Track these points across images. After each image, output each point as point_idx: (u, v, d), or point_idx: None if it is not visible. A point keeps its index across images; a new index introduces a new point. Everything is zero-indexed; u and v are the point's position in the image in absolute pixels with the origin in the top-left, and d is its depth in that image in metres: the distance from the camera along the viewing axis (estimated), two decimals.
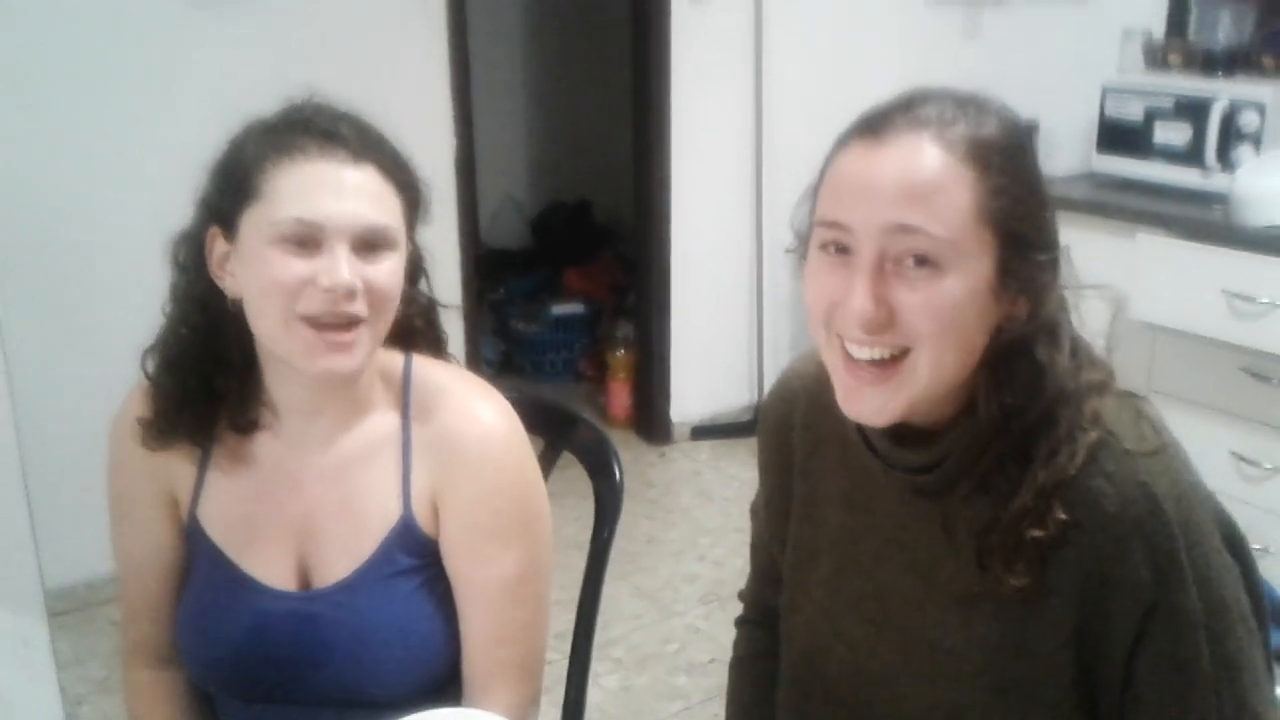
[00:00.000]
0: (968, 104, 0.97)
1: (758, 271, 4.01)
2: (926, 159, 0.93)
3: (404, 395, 1.25)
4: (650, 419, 4.08)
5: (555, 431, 1.61)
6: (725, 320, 4.04)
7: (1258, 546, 2.73)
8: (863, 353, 0.96)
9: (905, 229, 0.92)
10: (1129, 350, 2.97)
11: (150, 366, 1.23)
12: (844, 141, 0.98)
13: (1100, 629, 0.96)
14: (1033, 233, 0.96)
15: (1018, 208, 0.94)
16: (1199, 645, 0.95)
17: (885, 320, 0.94)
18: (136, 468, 1.26)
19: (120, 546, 1.30)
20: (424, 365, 1.27)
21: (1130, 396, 1.03)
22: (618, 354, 4.21)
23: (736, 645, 1.35)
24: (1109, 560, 0.94)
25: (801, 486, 1.17)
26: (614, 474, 1.54)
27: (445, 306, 1.34)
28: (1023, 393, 0.97)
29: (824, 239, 0.97)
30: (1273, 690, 1.00)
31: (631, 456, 3.95)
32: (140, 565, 1.29)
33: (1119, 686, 0.98)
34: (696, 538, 3.39)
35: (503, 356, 4.64)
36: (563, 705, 1.47)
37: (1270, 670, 1.00)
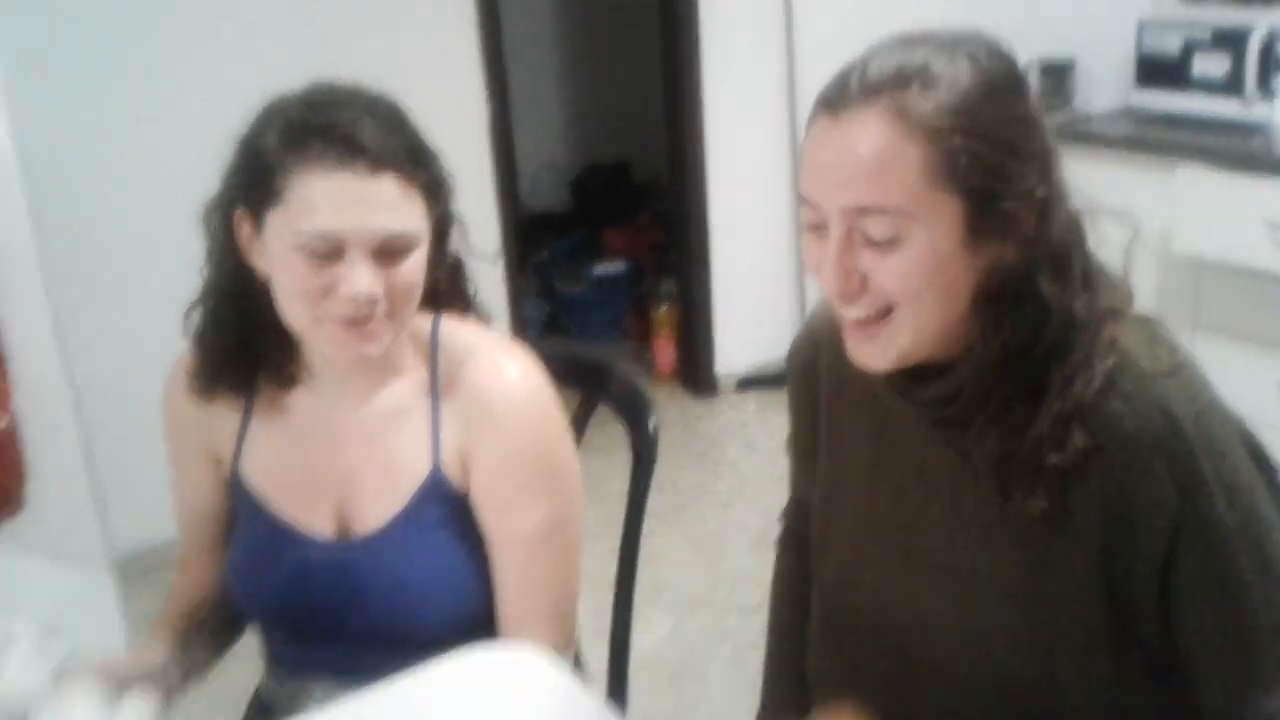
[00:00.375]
0: (926, 61, 0.97)
1: (796, 220, 4.01)
2: (875, 137, 0.95)
3: (432, 354, 1.30)
4: (696, 373, 4.12)
5: (591, 384, 1.65)
6: (766, 271, 4.06)
7: None
8: (848, 312, 1.01)
9: (861, 210, 0.96)
10: (1173, 287, 2.95)
11: (192, 324, 1.29)
12: (811, 116, 1.00)
13: (1128, 550, 0.98)
14: (1001, 183, 0.96)
15: (978, 164, 0.95)
16: (1236, 556, 0.96)
17: (858, 288, 0.99)
18: (185, 425, 1.33)
19: (176, 499, 1.40)
20: (451, 325, 1.32)
21: (1146, 320, 1.04)
22: (661, 310, 4.25)
23: (778, 563, 1.38)
24: (1131, 481, 0.96)
25: (828, 424, 1.20)
26: (647, 424, 1.58)
27: (482, 258, 1.36)
28: (1027, 326, 0.98)
29: (802, 215, 1.01)
30: None
31: (678, 410, 3.99)
32: (191, 516, 1.38)
33: (1155, 606, 0.99)
34: (744, 487, 3.43)
35: (548, 318, 4.69)
36: (609, 647, 1.52)
37: None
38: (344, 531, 1.30)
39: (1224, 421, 0.99)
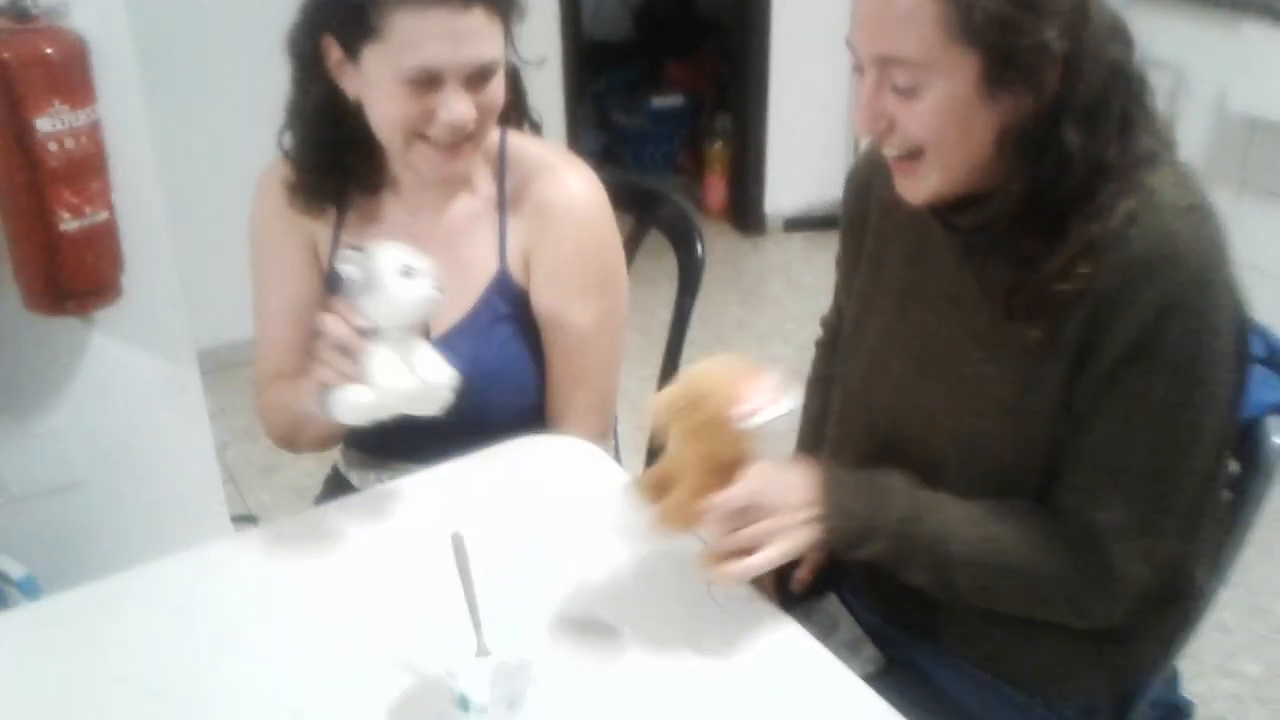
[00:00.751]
0: None
1: (855, 61, 4.00)
2: None
3: (500, 167, 1.42)
4: (745, 210, 4.20)
5: (643, 209, 1.76)
6: (821, 115, 4.08)
7: None
8: (885, 150, 1.11)
9: (885, 59, 1.04)
10: (1224, 145, 2.97)
11: (286, 143, 1.41)
12: None
13: (1090, 362, 1.06)
14: (1017, 39, 1.01)
15: (994, 20, 1.00)
16: (1162, 397, 1.04)
17: (887, 128, 1.08)
18: (284, 225, 1.46)
19: (262, 296, 1.51)
20: (517, 140, 1.44)
21: (1181, 166, 1.09)
22: (715, 147, 4.30)
23: (814, 365, 1.49)
24: (1121, 297, 1.03)
25: (872, 243, 1.30)
26: (695, 247, 1.70)
27: (536, 65, 1.42)
28: (1052, 171, 1.04)
29: (851, 58, 1.09)
30: (1209, 471, 1.09)
31: (725, 246, 4.09)
32: (283, 305, 1.49)
33: (1084, 409, 1.08)
34: (783, 323, 3.56)
35: (603, 149, 4.75)
36: (643, 464, 1.67)
37: (1217, 454, 1.10)
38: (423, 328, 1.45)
39: (1225, 276, 1.05)
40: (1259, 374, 1.21)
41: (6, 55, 1.71)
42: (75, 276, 1.84)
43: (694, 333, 1.72)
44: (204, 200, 2.76)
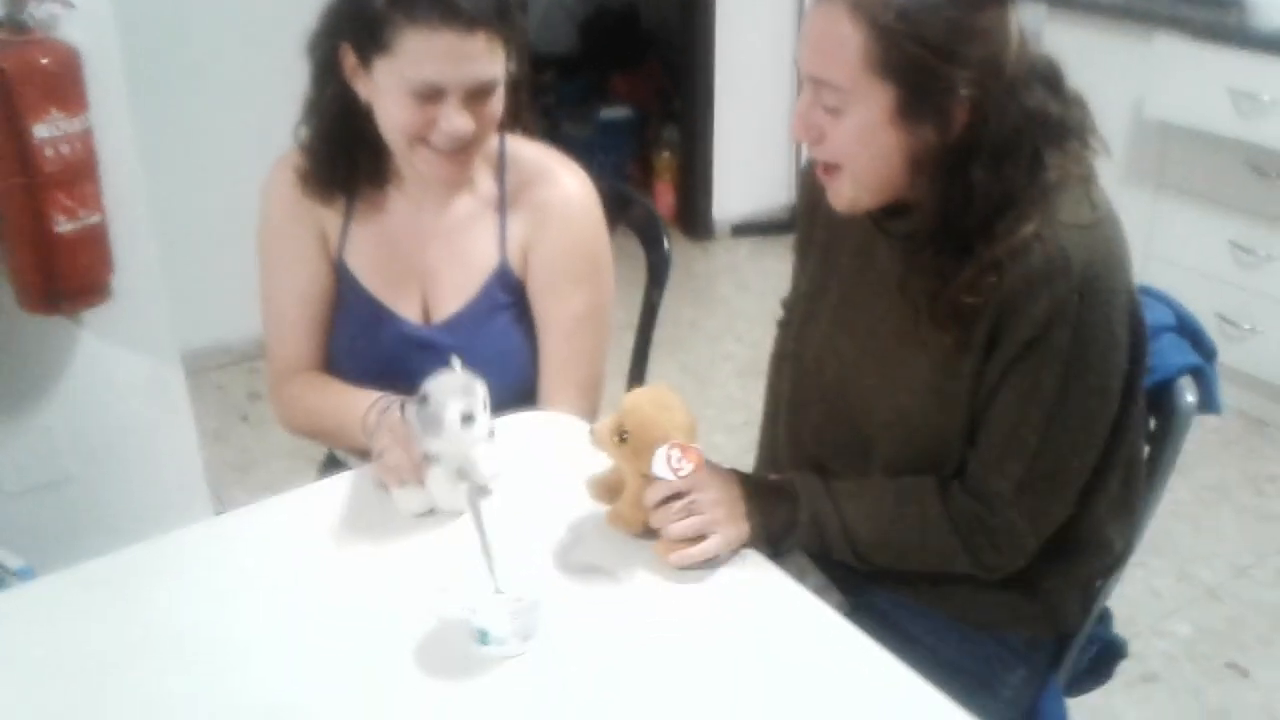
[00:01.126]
0: None
1: (798, 76, 4.16)
2: (832, 21, 1.15)
3: (500, 166, 1.54)
4: (694, 217, 4.34)
5: (614, 210, 1.88)
6: (765, 124, 4.23)
7: (1246, 326, 3.00)
8: (814, 156, 1.25)
9: (817, 79, 1.19)
10: (1140, 149, 3.17)
11: (301, 136, 1.51)
12: None
13: (995, 354, 1.22)
14: (930, 82, 1.14)
15: (911, 62, 1.13)
16: (1051, 388, 1.19)
17: (817, 138, 1.22)
18: (296, 212, 1.55)
19: (274, 283, 1.59)
20: (516, 142, 1.56)
21: (1088, 181, 1.21)
22: (663, 156, 4.44)
23: (776, 344, 1.60)
24: (1019, 302, 1.17)
25: (823, 234, 1.43)
26: (663, 243, 1.83)
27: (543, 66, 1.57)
28: (958, 199, 1.17)
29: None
30: (1096, 447, 1.24)
31: (676, 252, 4.12)
32: (295, 293, 1.57)
33: (986, 399, 1.24)
34: (733, 322, 3.71)
35: None
36: None
37: (1115, 431, 1.24)
38: (426, 316, 1.57)
39: (1112, 282, 1.17)
40: (1171, 340, 1.38)
41: (5, 66, 1.80)
42: (69, 277, 1.93)
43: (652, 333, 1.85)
44: (188, 205, 2.84)
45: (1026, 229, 1.16)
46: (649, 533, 1.28)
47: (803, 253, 1.50)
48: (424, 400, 1.28)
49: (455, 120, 1.38)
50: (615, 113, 4.85)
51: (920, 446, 1.31)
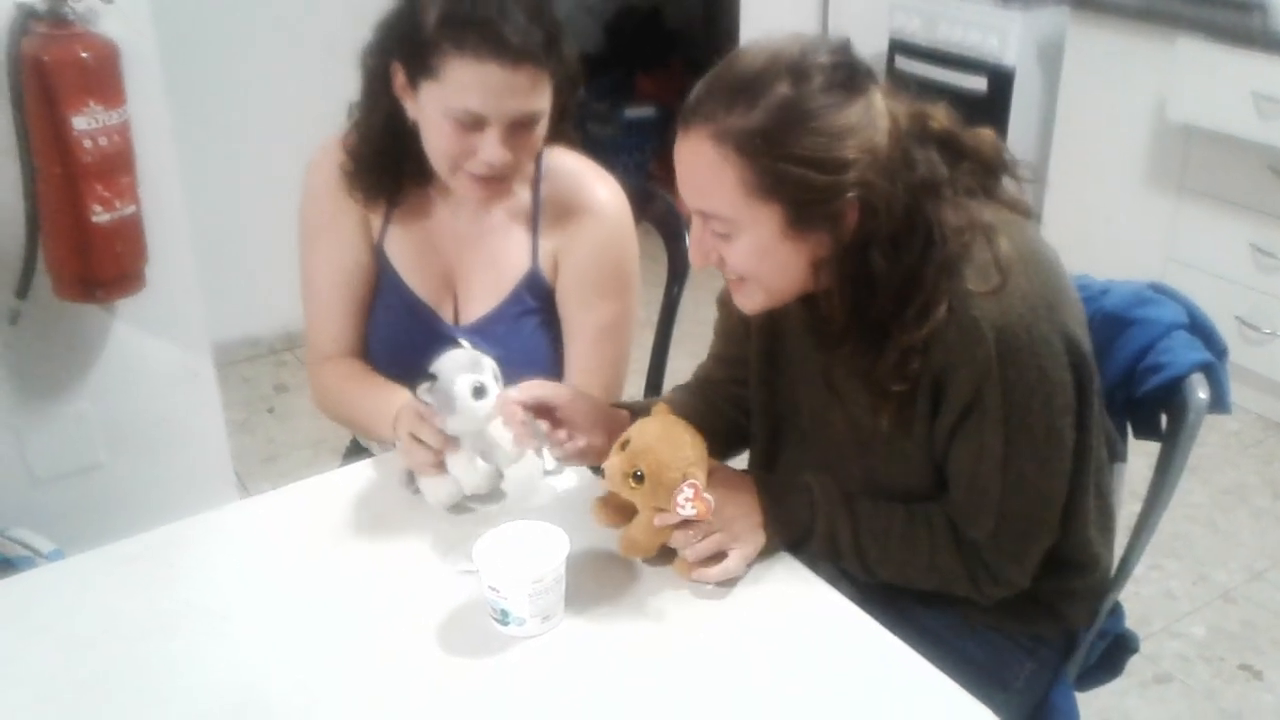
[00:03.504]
0: (756, 80, 1.13)
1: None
2: (700, 156, 1.16)
3: (536, 175, 1.57)
4: None
5: (636, 206, 1.91)
6: None
7: (1266, 329, 3.00)
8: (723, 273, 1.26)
9: (700, 212, 1.20)
10: (1163, 152, 3.17)
11: (350, 143, 1.53)
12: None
13: (937, 410, 1.23)
14: (810, 194, 1.14)
15: (787, 180, 1.13)
16: (995, 444, 1.20)
17: (718, 261, 1.23)
18: (337, 194, 1.56)
19: (314, 263, 1.61)
20: (554, 153, 1.58)
21: (992, 234, 1.18)
22: (675, 156, 4.46)
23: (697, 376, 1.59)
24: (947, 375, 1.19)
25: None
26: (684, 238, 1.86)
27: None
28: (864, 290, 1.18)
29: None
30: (1061, 482, 1.25)
31: None
32: (337, 275, 1.60)
33: (943, 460, 1.26)
34: None
35: None
36: None
37: (1080, 461, 1.25)
38: (456, 317, 1.61)
39: (1035, 331, 1.17)
40: (1183, 338, 1.39)
41: (46, 58, 1.84)
42: (104, 266, 1.97)
43: (673, 330, 1.88)
44: (220, 199, 2.89)
45: (937, 311, 1.17)
46: (662, 553, 1.29)
47: (730, 314, 1.49)
48: (433, 380, 1.31)
49: (494, 151, 1.40)
50: (639, 111, 4.87)
51: (897, 498, 1.33)
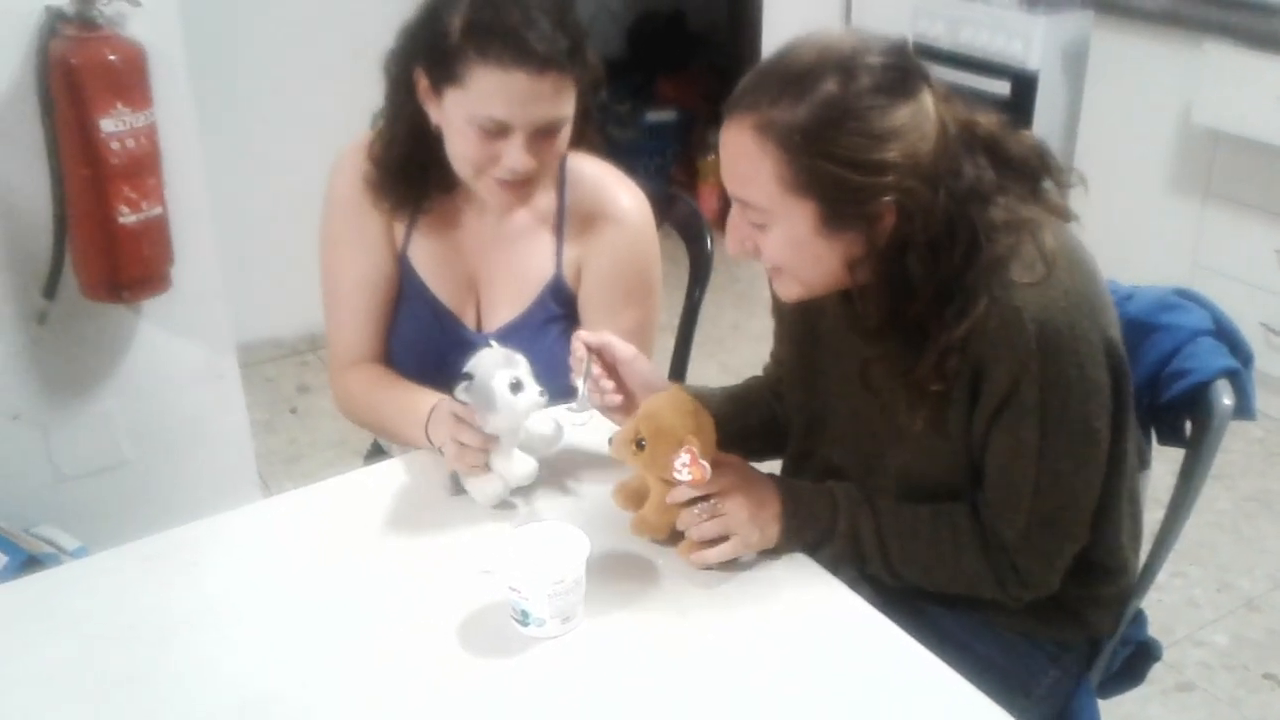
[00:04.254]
0: (805, 74, 1.13)
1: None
2: (741, 145, 1.16)
3: (561, 182, 1.58)
4: None
5: (658, 210, 1.91)
6: None
7: None
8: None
9: (738, 200, 1.20)
10: (1190, 155, 3.15)
11: (375, 151, 1.52)
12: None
13: (974, 405, 1.22)
14: (847, 194, 1.14)
15: (826, 178, 1.13)
16: (1032, 438, 1.19)
17: (752, 251, 1.23)
18: (361, 199, 1.56)
19: (337, 268, 1.61)
20: (578, 159, 1.59)
21: (1037, 230, 1.18)
22: (708, 159, 4.46)
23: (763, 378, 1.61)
24: (986, 364, 1.18)
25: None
26: (706, 241, 1.86)
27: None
28: (901, 290, 1.18)
29: None
30: (1094, 481, 1.24)
31: (720, 253, 4.23)
32: (360, 281, 1.60)
33: (980, 453, 1.25)
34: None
35: None
36: None
37: (1112, 462, 1.24)
38: (480, 324, 1.61)
39: (1076, 329, 1.16)
40: (1208, 344, 1.38)
41: (75, 60, 1.87)
42: (131, 267, 1.99)
43: (694, 333, 1.88)
44: (246, 201, 2.91)
45: (978, 309, 1.16)
46: (674, 537, 1.30)
47: (780, 314, 1.49)
48: (469, 380, 1.32)
49: (518, 157, 1.40)
50: (661, 115, 4.88)
51: (931, 494, 1.32)
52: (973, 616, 1.37)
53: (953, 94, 1.23)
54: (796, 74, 1.15)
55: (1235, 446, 2.96)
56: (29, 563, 1.88)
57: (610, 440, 1.30)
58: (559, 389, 1.41)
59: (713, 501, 1.27)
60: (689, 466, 1.23)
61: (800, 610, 1.23)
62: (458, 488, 1.40)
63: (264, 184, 3.10)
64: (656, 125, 4.85)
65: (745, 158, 1.17)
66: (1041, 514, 1.25)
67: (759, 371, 1.61)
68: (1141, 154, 3.28)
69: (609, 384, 1.38)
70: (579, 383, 1.36)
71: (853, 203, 1.15)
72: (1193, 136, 3.10)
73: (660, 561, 1.29)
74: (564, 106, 1.42)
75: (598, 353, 1.38)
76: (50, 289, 2.02)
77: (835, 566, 1.31)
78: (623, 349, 1.39)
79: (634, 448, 1.26)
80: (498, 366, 1.32)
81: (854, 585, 1.30)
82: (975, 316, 1.16)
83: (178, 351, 2.23)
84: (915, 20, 3.76)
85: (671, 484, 1.26)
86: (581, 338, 1.37)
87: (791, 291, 1.27)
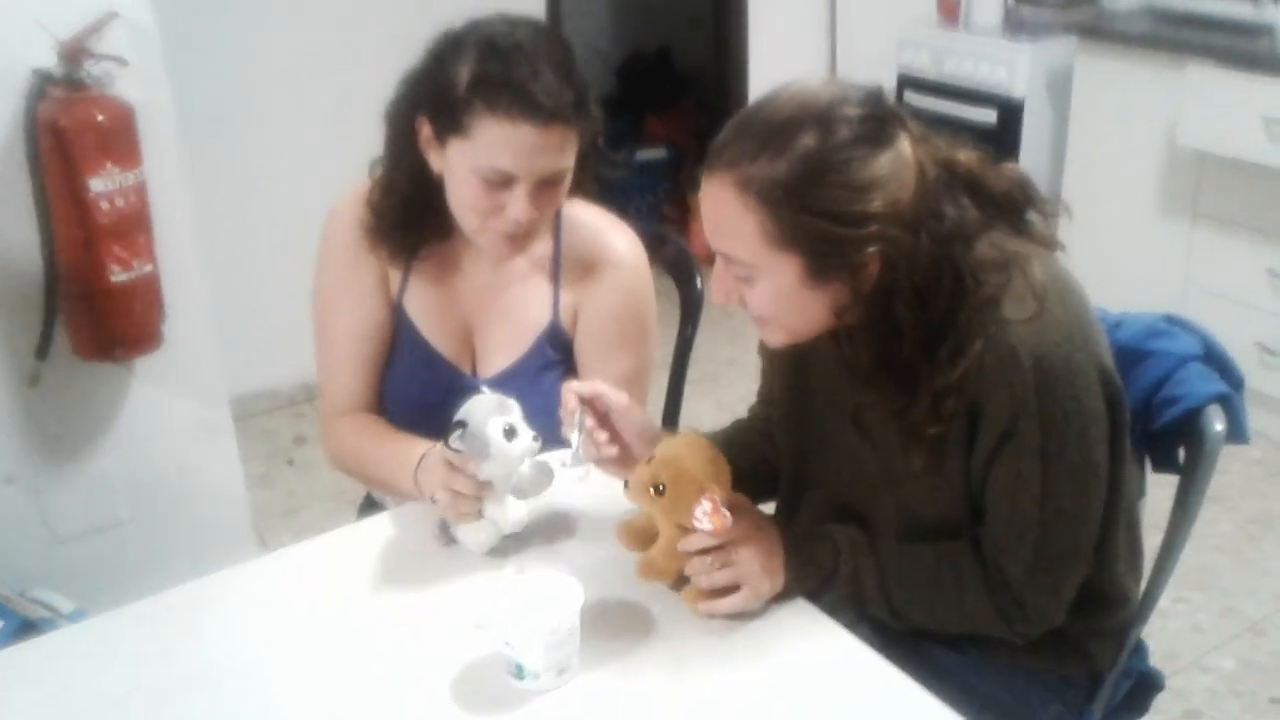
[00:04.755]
0: (783, 129, 1.14)
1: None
2: (722, 202, 1.16)
3: (556, 228, 1.58)
4: None
5: (648, 248, 1.91)
6: None
7: None
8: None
9: (721, 253, 1.20)
10: (1175, 178, 3.16)
11: (374, 198, 1.53)
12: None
13: (972, 443, 1.21)
14: (830, 246, 1.14)
15: (809, 232, 1.13)
16: (1033, 473, 1.19)
17: (738, 301, 1.23)
18: (357, 249, 1.57)
19: (332, 318, 1.61)
20: (572, 205, 1.59)
21: (1026, 264, 1.18)
22: (699, 196, 4.48)
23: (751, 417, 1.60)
24: (983, 401, 1.18)
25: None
26: (696, 281, 1.87)
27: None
28: (889, 336, 1.18)
29: None
30: (1095, 512, 1.23)
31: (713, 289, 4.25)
32: (352, 330, 1.60)
33: (980, 490, 1.25)
34: None
35: (591, 200, 4.91)
36: None
37: (1111, 491, 1.24)
38: (475, 371, 1.61)
39: (1071, 362, 1.16)
40: (1198, 369, 1.38)
41: (63, 122, 1.88)
42: (123, 326, 2.00)
43: (689, 371, 1.88)
44: (236, 254, 2.92)
45: (973, 349, 1.16)
46: (680, 581, 1.29)
47: (768, 354, 1.49)
48: (463, 427, 1.31)
49: (522, 209, 1.41)
50: (651, 154, 4.91)
51: (929, 531, 1.31)
52: (973, 653, 1.36)
53: (930, 134, 1.23)
54: (775, 128, 1.16)
55: (1234, 468, 2.95)
56: (24, 628, 1.87)
57: (626, 484, 1.28)
58: (556, 435, 1.40)
59: (725, 551, 1.26)
60: (710, 515, 1.21)
61: (800, 657, 1.22)
62: (448, 537, 1.39)
63: (256, 235, 3.11)
64: (647, 164, 4.87)
65: (727, 213, 1.17)
66: (1045, 549, 1.24)
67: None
68: (1129, 177, 3.30)
69: (603, 435, 1.36)
70: (572, 437, 1.35)
71: (836, 254, 1.16)
72: (1179, 158, 3.12)
73: (656, 609, 1.28)
74: (568, 158, 1.43)
75: (590, 403, 1.37)
76: (42, 350, 2.03)
77: (834, 609, 1.30)
78: (615, 398, 1.38)
79: (652, 493, 1.25)
80: (490, 414, 1.32)
81: (852, 625, 1.30)
82: (971, 357, 1.16)
83: (172, 408, 2.23)
84: (900, 51, 3.79)
85: (687, 530, 1.25)
86: (573, 389, 1.36)
87: (778, 339, 1.28)
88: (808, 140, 1.14)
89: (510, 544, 1.39)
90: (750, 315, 1.27)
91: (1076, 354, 1.18)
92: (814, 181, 1.13)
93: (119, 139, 1.92)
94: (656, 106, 5.18)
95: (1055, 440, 1.19)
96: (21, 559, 2.10)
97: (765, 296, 1.21)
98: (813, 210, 1.14)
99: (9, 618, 1.88)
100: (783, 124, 1.15)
